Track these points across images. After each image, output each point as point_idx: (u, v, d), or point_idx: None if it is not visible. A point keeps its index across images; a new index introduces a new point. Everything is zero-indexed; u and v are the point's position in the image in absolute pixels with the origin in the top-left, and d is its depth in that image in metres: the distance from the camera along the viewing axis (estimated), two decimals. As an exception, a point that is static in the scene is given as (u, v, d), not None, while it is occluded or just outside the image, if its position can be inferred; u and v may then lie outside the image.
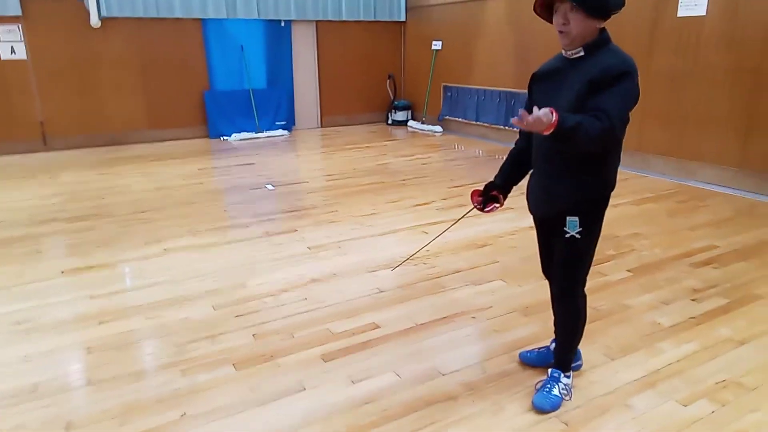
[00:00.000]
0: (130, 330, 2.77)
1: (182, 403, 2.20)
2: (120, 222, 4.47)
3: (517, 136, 2.23)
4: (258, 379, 2.36)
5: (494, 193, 2.20)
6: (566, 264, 2.07)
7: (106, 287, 3.26)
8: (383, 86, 9.61)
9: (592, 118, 1.74)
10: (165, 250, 3.85)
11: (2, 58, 6.92)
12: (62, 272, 3.50)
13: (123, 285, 3.31)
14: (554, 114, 1.67)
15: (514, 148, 2.23)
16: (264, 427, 2.06)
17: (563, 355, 2.21)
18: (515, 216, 4.41)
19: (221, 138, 8.21)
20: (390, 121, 9.53)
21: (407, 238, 4.04)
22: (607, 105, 1.76)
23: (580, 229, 1.97)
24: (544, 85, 2.03)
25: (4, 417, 2.12)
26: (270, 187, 5.58)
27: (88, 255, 3.78)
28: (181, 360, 2.51)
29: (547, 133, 1.69)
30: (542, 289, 3.14)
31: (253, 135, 8.33)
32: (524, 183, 2.20)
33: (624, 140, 1.91)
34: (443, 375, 2.37)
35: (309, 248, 3.87)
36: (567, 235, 1.99)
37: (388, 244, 3.96)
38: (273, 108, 8.57)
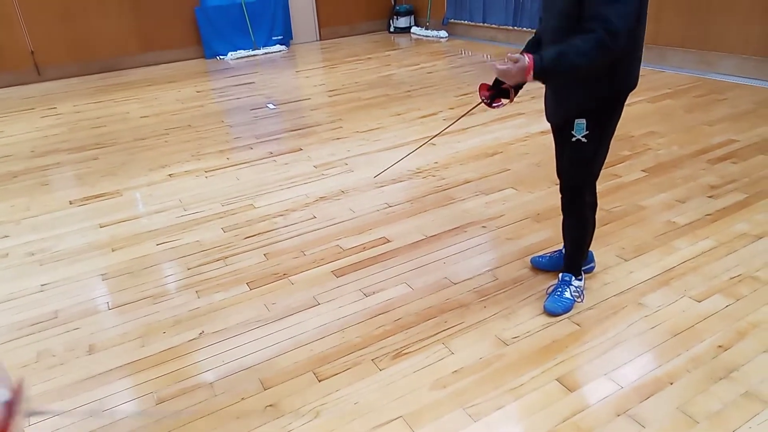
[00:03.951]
0: (143, 255, 2.79)
1: (200, 322, 2.25)
2: (123, 150, 4.40)
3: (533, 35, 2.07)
4: (272, 297, 2.39)
5: (506, 86, 2.06)
6: (572, 168, 1.99)
7: (115, 215, 3.26)
8: (383, -10, 9.05)
9: (580, 34, 1.63)
10: (170, 175, 3.81)
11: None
12: (70, 203, 3.49)
13: (131, 212, 3.30)
14: (528, 57, 1.66)
15: (533, 36, 2.06)
16: (281, 340, 2.11)
17: (572, 259, 2.19)
18: (526, 121, 4.25)
19: (217, 57, 7.90)
20: (392, 29, 9.06)
21: (415, 152, 3.93)
22: (598, 8, 1.61)
23: (587, 132, 1.87)
24: None
25: (29, 343, 2.19)
26: (271, 106, 5.41)
27: (95, 184, 3.75)
28: (195, 282, 2.54)
29: (529, 77, 1.68)
30: (554, 195, 3.07)
31: (250, 52, 8.00)
32: (540, 90, 2.05)
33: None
34: (455, 284, 2.38)
35: (315, 167, 3.80)
36: (573, 139, 1.90)
37: (395, 158, 3.86)
38: (268, 22, 8.15)
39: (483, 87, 2.08)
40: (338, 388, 1.86)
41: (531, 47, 2.02)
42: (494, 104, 2.04)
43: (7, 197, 3.64)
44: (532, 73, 1.67)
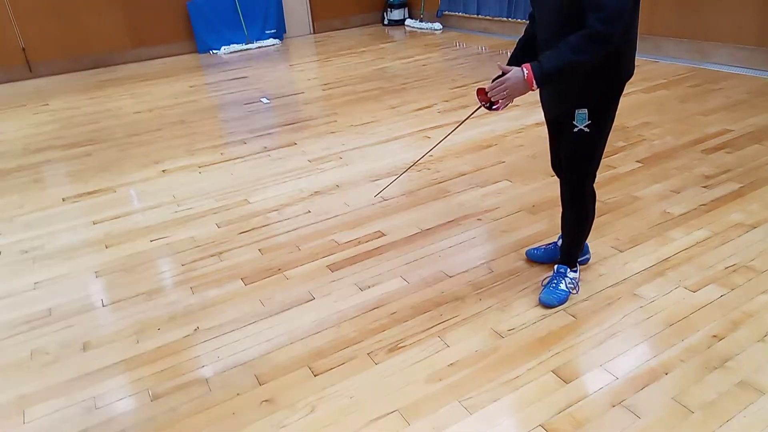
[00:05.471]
0: (137, 252, 2.78)
1: (195, 318, 2.24)
2: (116, 146, 4.37)
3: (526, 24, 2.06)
4: (267, 292, 2.38)
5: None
6: (574, 159, 1.98)
7: (109, 212, 3.24)
8: (377, -17, 8.99)
9: (577, 35, 1.61)
10: (164, 171, 3.79)
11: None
12: (63, 200, 3.47)
13: (125, 209, 3.28)
14: (525, 67, 1.67)
15: (523, 35, 2.05)
16: (276, 335, 2.10)
17: (569, 251, 2.18)
18: (521, 113, 4.24)
19: (210, 52, 7.85)
20: (386, 22, 9.01)
21: (409, 145, 3.93)
22: (595, 1, 1.58)
23: (589, 122, 1.86)
24: None
25: (23, 341, 2.18)
26: (265, 100, 5.38)
27: (88, 181, 3.73)
28: (190, 278, 2.53)
29: (534, 87, 1.69)
30: (549, 187, 3.08)
31: (243, 46, 7.95)
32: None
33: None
34: (450, 277, 2.37)
35: (309, 161, 3.78)
36: (575, 129, 1.88)
37: (390, 151, 3.85)
38: (261, 15, 8.09)
39: (480, 91, 2.04)
40: (334, 383, 1.85)
41: (522, 49, 2.01)
42: (494, 107, 2.02)
43: (0, 195, 3.61)
44: (534, 82, 1.68)
